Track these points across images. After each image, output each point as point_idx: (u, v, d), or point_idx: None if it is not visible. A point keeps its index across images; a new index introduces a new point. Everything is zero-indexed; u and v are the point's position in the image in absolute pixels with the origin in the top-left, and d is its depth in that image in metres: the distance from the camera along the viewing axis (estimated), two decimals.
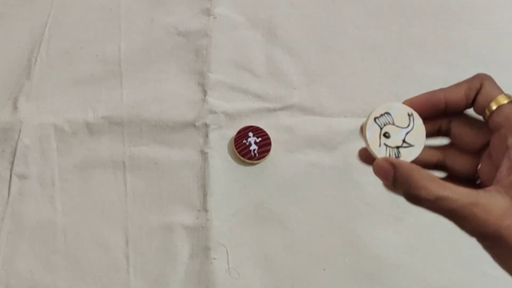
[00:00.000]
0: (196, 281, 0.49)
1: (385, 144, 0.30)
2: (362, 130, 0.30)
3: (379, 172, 0.28)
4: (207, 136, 0.56)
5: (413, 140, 0.30)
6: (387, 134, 0.30)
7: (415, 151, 0.30)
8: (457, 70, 0.61)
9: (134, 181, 0.54)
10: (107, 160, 0.55)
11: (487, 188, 0.26)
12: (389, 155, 0.30)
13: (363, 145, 0.31)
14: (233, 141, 0.55)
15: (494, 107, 0.28)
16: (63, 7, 0.64)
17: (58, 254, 0.50)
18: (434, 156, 0.31)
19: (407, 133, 0.30)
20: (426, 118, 0.30)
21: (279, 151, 0.55)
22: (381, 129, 0.30)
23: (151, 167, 0.54)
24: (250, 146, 0.54)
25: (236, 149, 0.54)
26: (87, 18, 0.64)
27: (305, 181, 0.54)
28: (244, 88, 0.59)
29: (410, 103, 0.30)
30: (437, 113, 0.30)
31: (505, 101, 0.27)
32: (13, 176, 0.54)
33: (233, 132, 0.56)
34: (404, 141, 0.30)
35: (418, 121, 0.30)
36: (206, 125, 0.56)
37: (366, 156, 0.31)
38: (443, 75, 0.60)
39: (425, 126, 0.30)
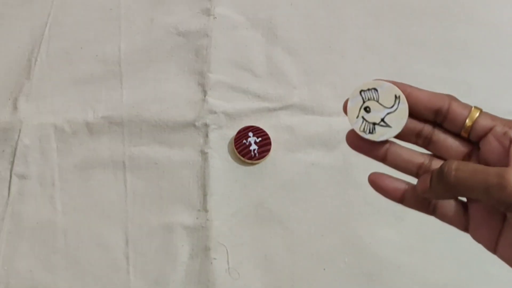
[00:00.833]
0: (196, 281, 0.49)
1: (363, 117, 0.30)
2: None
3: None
4: (207, 136, 0.56)
5: (392, 121, 0.29)
6: (368, 109, 0.30)
7: (390, 132, 0.29)
8: (457, 70, 0.61)
9: (134, 181, 0.54)
10: (107, 160, 0.55)
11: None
12: (364, 129, 0.30)
13: None
14: (233, 141, 0.55)
15: (476, 114, 0.28)
16: (63, 7, 0.64)
17: (58, 254, 0.50)
18: (421, 158, 0.31)
19: (388, 113, 0.29)
20: (413, 115, 0.29)
21: (279, 151, 0.55)
22: (364, 102, 0.30)
23: (151, 167, 0.54)
24: (250, 146, 0.54)
25: (236, 149, 0.54)
26: (87, 18, 0.64)
27: (305, 181, 0.54)
28: (244, 88, 0.59)
29: (409, 91, 0.29)
30: (427, 116, 0.29)
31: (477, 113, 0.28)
32: (13, 176, 0.54)
33: (233, 132, 0.56)
34: (382, 120, 0.29)
35: (403, 105, 0.29)
36: (206, 125, 0.56)
37: (352, 138, 0.31)
38: (443, 75, 0.60)
39: (408, 123, 0.29)
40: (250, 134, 0.55)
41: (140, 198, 0.53)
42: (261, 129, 0.56)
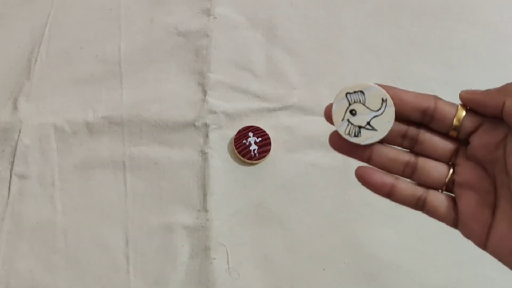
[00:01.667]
0: (196, 281, 0.49)
1: (348, 120, 0.29)
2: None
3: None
4: (207, 136, 0.56)
5: (378, 125, 0.29)
6: (353, 112, 0.29)
7: (376, 136, 0.29)
8: (457, 70, 0.61)
9: (134, 181, 0.54)
10: (107, 160, 0.55)
11: None
12: (349, 132, 0.29)
13: None
14: (233, 141, 0.55)
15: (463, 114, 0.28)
16: (63, 7, 0.64)
17: (58, 254, 0.50)
18: (406, 156, 0.30)
19: (374, 117, 0.29)
20: (400, 117, 0.29)
21: (279, 151, 0.56)
22: (349, 105, 0.29)
23: (151, 167, 0.55)
24: (250, 146, 0.54)
25: (236, 149, 0.54)
26: (87, 18, 0.64)
27: (305, 181, 0.54)
28: (244, 88, 0.59)
29: (394, 93, 0.29)
30: (414, 117, 0.29)
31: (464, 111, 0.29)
32: (13, 176, 0.54)
33: (233, 132, 0.56)
34: (368, 123, 0.29)
35: (390, 108, 0.29)
36: (206, 125, 0.56)
37: (336, 140, 0.30)
38: (443, 75, 0.60)
39: (394, 125, 0.29)
40: (250, 134, 0.55)
41: (140, 198, 0.53)
42: (261, 129, 0.56)
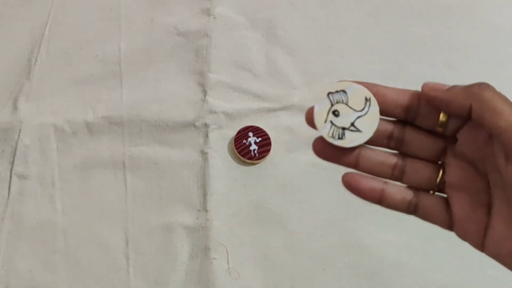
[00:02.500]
0: (196, 281, 0.49)
1: (331, 121, 0.28)
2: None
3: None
4: (207, 136, 0.56)
5: (363, 126, 0.27)
6: (336, 112, 0.28)
7: (361, 137, 0.27)
8: (457, 70, 0.61)
9: (134, 181, 0.54)
10: (107, 160, 0.55)
11: None
12: (332, 134, 0.27)
13: None
14: (233, 141, 0.55)
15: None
16: (63, 7, 0.64)
17: (58, 254, 0.50)
18: (394, 159, 0.29)
19: (358, 117, 0.27)
20: (383, 115, 0.28)
21: (279, 151, 0.56)
22: (332, 105, 0.28)
23: (151, 167, 0.55)
24: (250, 146, 0.54)
25: (236, 149, 0.54)
26: (87, 18, 0.64)
27: (305, 181, 0.54)
28: (244, 88, 0.59)
29: (377, 90, 0.28)
30: (398, 114, 0.28)
31: None
32: (13, 176, 0.54)
33: (233, 132, 0.56)
34: (352, 124, 0.27)
35: (374, 108, 0.27)
36: (206, 125, 0.56)
37: (320, 146, 0.28)
38: (443, 75, 0.60)
39: (379, 125, 0.28)
40: (250, 134, 0.55)
41: (140, 198, 0.53)
42: (261, 129, 0.56)
